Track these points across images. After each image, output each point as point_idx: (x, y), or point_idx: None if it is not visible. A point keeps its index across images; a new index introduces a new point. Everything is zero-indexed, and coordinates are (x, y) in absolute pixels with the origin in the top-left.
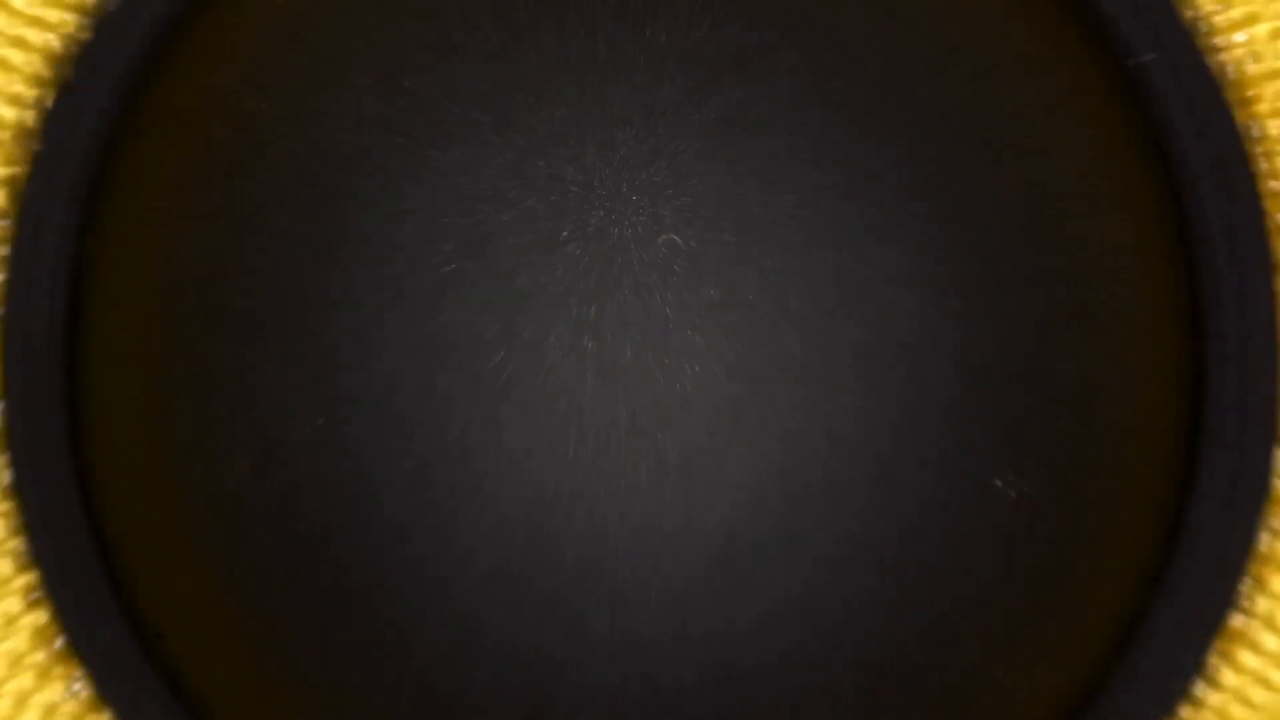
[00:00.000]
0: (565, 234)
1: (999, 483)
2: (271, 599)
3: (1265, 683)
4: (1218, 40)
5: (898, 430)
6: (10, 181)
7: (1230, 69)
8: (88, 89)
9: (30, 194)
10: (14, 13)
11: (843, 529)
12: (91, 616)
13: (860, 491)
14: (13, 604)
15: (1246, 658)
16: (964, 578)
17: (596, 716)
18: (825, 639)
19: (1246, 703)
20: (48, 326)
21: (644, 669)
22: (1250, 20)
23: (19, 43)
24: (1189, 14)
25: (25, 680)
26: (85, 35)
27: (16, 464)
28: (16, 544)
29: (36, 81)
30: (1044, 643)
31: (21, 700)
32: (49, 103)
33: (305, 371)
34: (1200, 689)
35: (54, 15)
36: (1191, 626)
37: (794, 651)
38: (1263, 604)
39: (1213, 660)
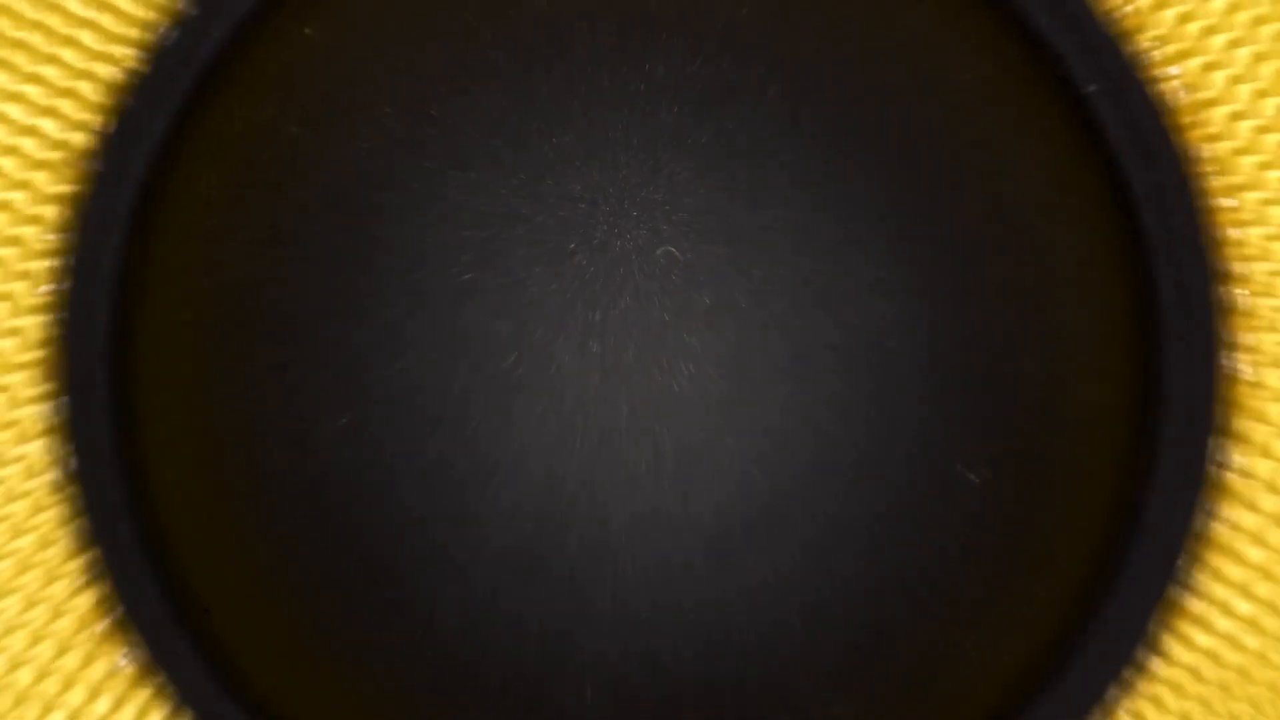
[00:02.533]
0: (573, 246)
1: (966, 472)
2: (305, 577)
3: (1206, 652)
4: (1158, 73)
5: (873, 424)
6: (73, 199)
7: (1170, 98)
8: (143, 116)
9: (91, 210)
10: (83, 49)
11: (824, 514)
12: (143, 592)
13: (840, 480)
14: (73, 580)
15: (1189, 629)
16: (934, 558)
17: (600, 684)
18: (808, 614)
19: (1189, 670)
20: (105, 329)
21: (643, 641)
22: (1185, 55)
23: (88, 75)
24: (1131, 49)
25: (83, 649)
26: (143, 68)
27: (77, 454)
28: (77, 526)
29: (98, 109)
30: (1006, 616)
31: (80, 667)
32: (109, 128)
33: (336, 370)
34: (1147, 658)
35: (118, 51)
36: (1139, 601)
37: (780, 625)
38: (1203, 580)
39: (1158, 632)
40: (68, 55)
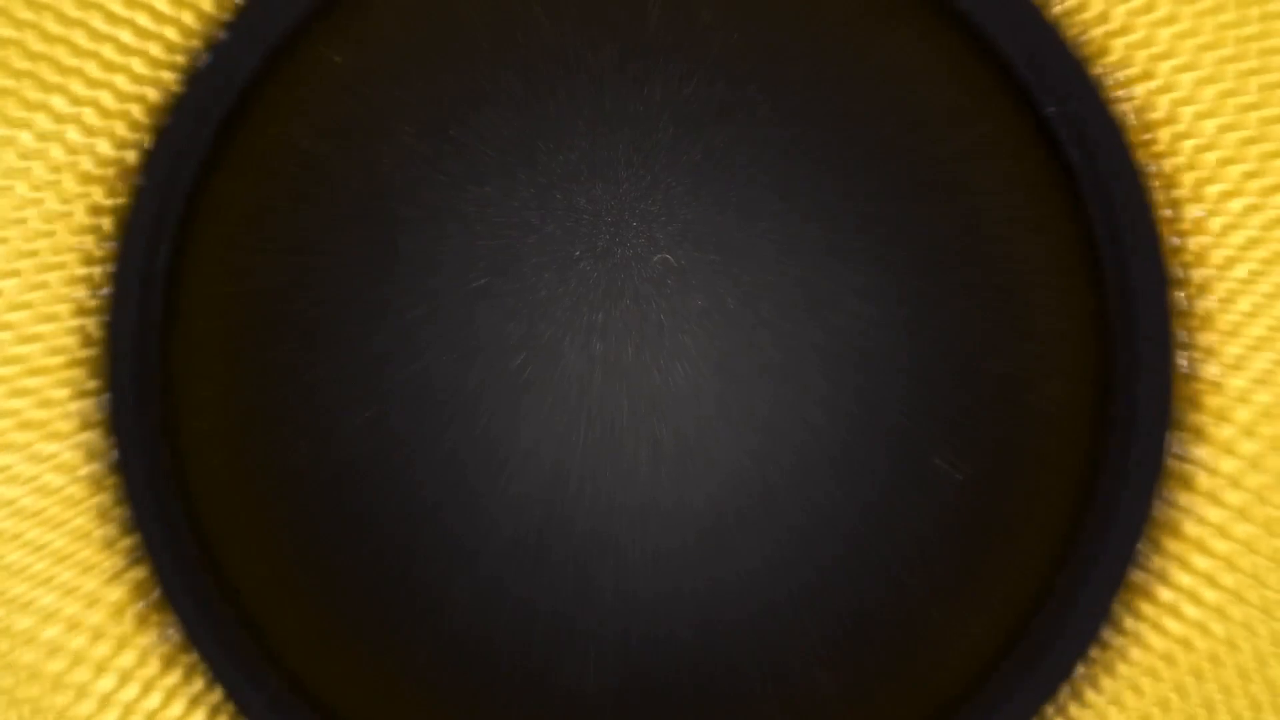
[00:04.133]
0: (577, 254)
1: (940, 463)
2: (328, 561)
3: (1159, 628)
4: (1118, 93)
5: (856, 419)
6: (116, 210)
7: (1129, 117)
8: (181, 133)
9: (132, 220)
10: (136, 76)
11: (811, 502)
12: (182, 573)
13: (825, 471)
14: (117, 562)
15: (1144, 607)
16: (911, 542)
17: (602, 662)
18: (796, 595)
19: (1144, 645)
20: (145, 331)
21: (643, 622)
22: (1144, 77)
23: (140, 99)
24: (1094, 71)
25: (127, 626)
26: (180, 89)
27: (120, 446)
28: (120, 512)
29: (139, 127)
30: (978, 595)
31: (123, 643)
32: (149, 145)
33: (358, 369)
34: (1107, 633)
35: (164, 75)
36: (1099, 580)
37: (770, 606)
38: (1158, 562)
39: (1117, 609)
40: (119, 81)
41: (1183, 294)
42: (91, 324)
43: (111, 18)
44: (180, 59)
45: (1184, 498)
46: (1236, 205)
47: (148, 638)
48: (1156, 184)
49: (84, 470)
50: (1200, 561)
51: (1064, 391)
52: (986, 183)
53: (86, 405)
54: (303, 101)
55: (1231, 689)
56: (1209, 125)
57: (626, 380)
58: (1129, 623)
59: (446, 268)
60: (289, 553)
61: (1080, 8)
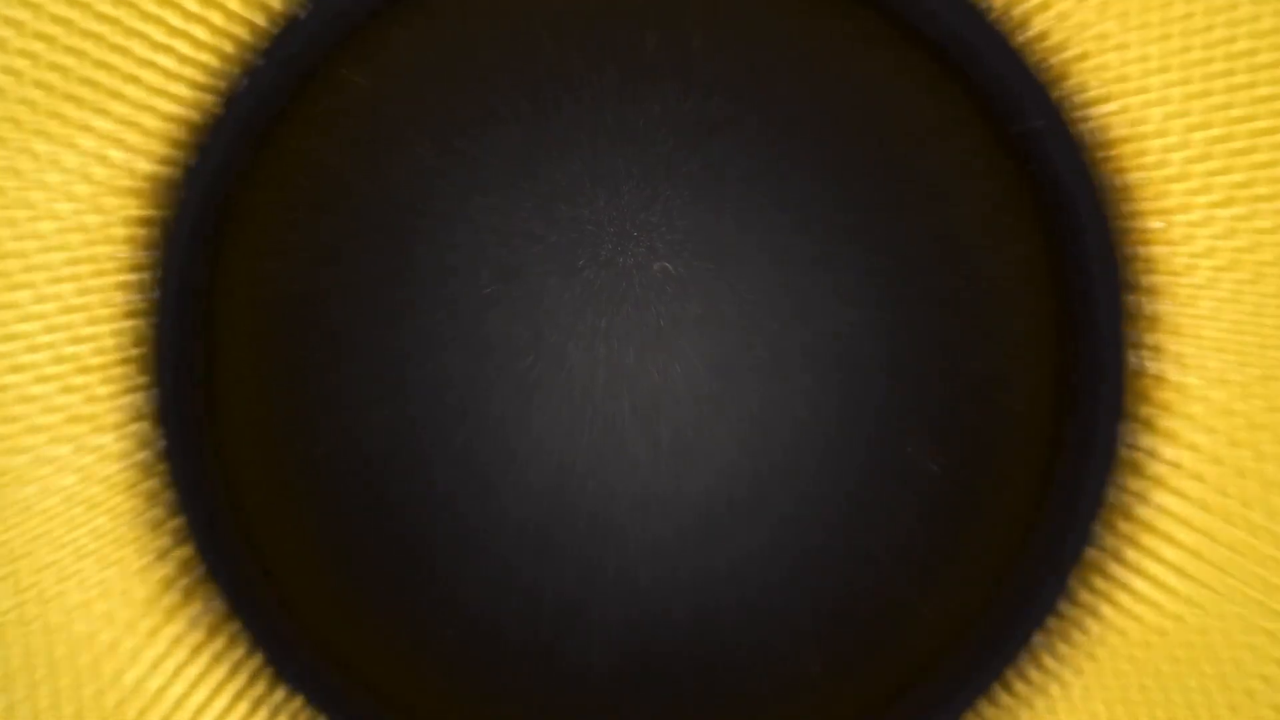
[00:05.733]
0: (581, 262)
1: (917, 454)
2: (353, 541)
3: (1111, 601)
4: (1081, 114)
5: (841, 416)
6: (160, 221)
7: (1088, 136)
8: (218, 151)
9: (175, 230)
10: (179, 100)
11: (799, 493)
12: (223, 551)
13: (812, 464)
14: (165, 541)
15: (1098, 581)
16: (890, 528)
17: (606, 640)
18: (784, 578)
19: (1098, 616)
20: (188, 332)
21: (643, 603)
22: (1105, 99)
23: (187, 121)
24: (1056, 95)
25: (174, 598)
26: (218, 110)
27: (167, 436)
28: (168, 496)
29: (181, 145)
30: (950, 575)
31: (171, 613)
32: (190, 161)
33: (379, 369)
34: (1064, 606)
35: (206, 99)
36: (1058, 559)
37: (761, 589)
38: (1111, 541)
39: (1073, 584)
40: (160, 103)
41: (1136, 298)
42: (140, 325)
43: (154, 45)
44: (219, 83)
45: (1135, 483)
46: (1186, 218)
47: (193, 609)
48: (1113, 198)
49: (135, 458)
50: (1150, 541)
51: (1028, 388)
52: (959, 196)
53: (137, 399)
54: (328, 121)
55: (1178, 658)
56: (1159, 144)
57: (628, 380)
58: (1085, 596)
59: (459, 275)
60: (318, 533)
61: (1042, 36)
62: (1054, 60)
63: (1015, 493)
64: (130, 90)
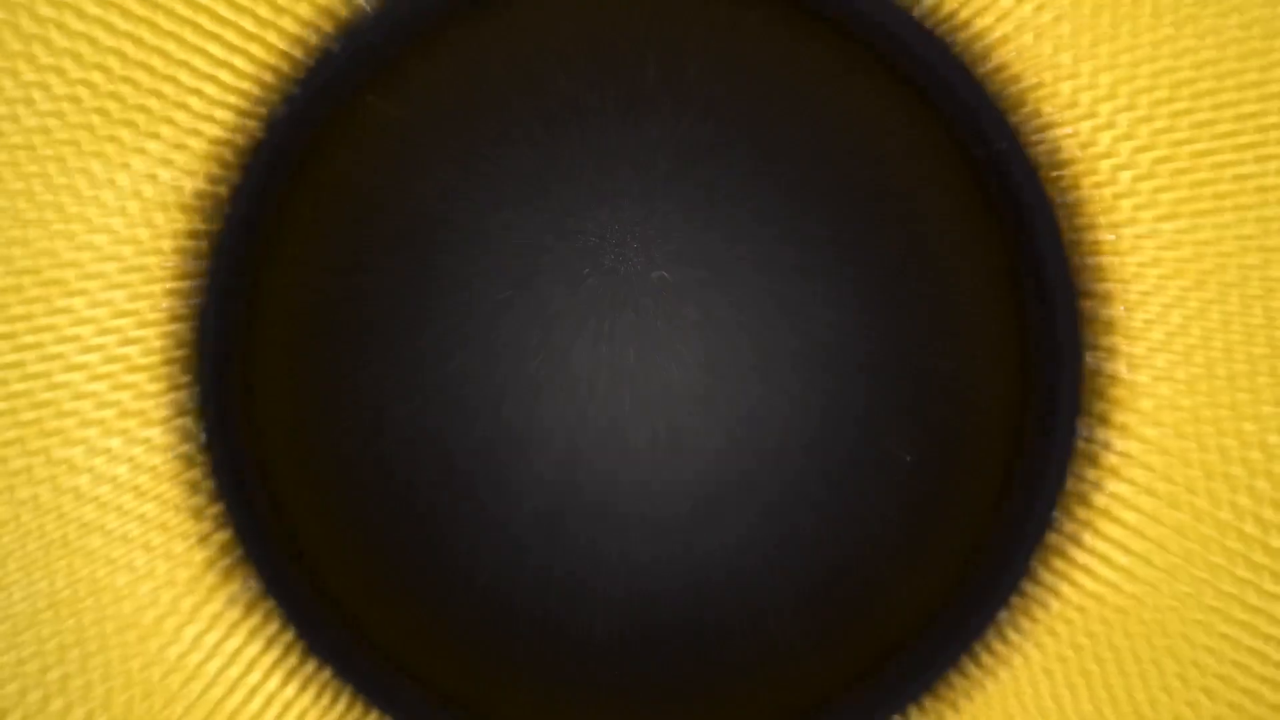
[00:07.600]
0: (586, 271)
1: (893, 447)
2: (378, 526)
3: (1070, 580)
4: (1038, 137)
5: (824, 412)
6: (205, 235)
7: (1048, 156)
8: (258, 171)
9: (218, 243)
10: (223, 124)
11: (785, 482)
12: (259, 535)
13: (796, 455)
14: (206, 525)
15: (1057, 563)
16: (869, 514)
17: (608, 617)
18: (772, 558)
19: (1057, 594)
20: (228, 334)
21: (644, 582)
22: (1059, 124)
23: (231, 144)
24: (1015, 119)
25: (214, 578)
26: (259, 134)
27: (208, 430)
28: (209, 484)
29: (225, 166)
30: (922, 558)
31: (211, 591)
32: (236, 180)
33: (403, 369)
34: (1027, 586)
35: (248, 124)
36: (1021, 542)
37: (750, 568)
38: (1070, 526)
39: (1035, 565)
40: (207, 129)
41: (1090, 304)
42: (184, 329)
43: (200, 75)
44: (260, 110)
45: (1091, 473)
46: (1134, 231)
47: (231, 588)
48: (1068, 213)
49: (179, 449)
50: (1105, 526)
51: (994, 386)
52: (930, 211)
53: (181, 396)
54: (359, 144)
55: (1132, 633)
56: (1109, 164)
57: (628, 379)
58: (1046, 577)
59: (475, 283)
60: (346, 519)
61: (1002, 68)
62: (1013, 89)
63: (982, 481)
64: (179, 116)
